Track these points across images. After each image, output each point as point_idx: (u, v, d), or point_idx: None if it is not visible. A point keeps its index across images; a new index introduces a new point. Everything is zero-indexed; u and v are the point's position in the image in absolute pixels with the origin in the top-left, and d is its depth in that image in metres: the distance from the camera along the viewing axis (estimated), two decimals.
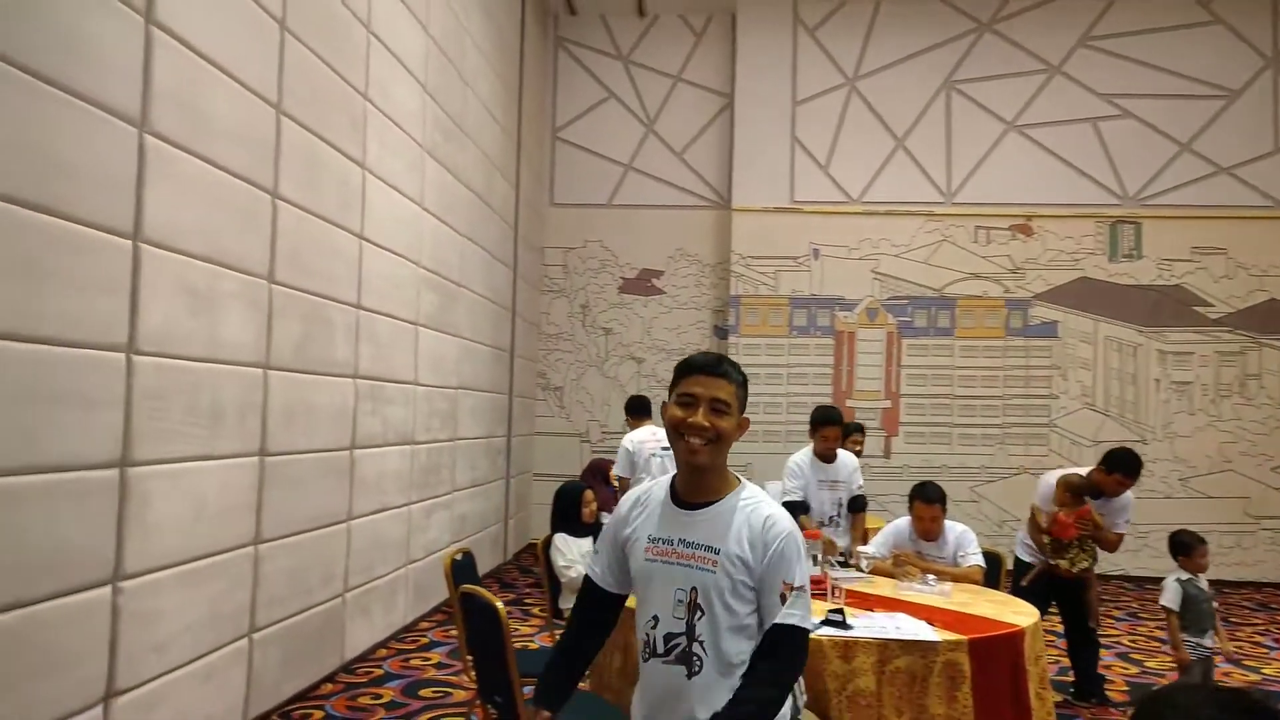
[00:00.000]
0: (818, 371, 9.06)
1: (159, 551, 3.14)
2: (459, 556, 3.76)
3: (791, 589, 1.83)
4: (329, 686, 4.51)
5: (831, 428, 4.66)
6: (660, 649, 1.92)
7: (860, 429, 6.26)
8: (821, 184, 9.17)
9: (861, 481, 4.83)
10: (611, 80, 9.65)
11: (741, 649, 1.87)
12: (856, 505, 4.76)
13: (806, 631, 1.86)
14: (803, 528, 4.60)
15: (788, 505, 4.90)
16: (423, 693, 4.54)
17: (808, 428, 4.86)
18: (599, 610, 2.10)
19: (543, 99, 9.51)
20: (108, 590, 2.89)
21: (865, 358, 9.07)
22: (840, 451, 4.74)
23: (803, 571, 1.86)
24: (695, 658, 1.87)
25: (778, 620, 1.84)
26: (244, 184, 3.66)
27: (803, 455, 4.88)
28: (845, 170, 9.15)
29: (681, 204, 9.53)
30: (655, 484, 2.03)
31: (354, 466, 4.77)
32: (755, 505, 1.92)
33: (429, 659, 5.13)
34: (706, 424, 1.86)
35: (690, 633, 1.88)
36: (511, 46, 8.11)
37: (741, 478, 1.99)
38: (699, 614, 1.88)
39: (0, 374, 2.46)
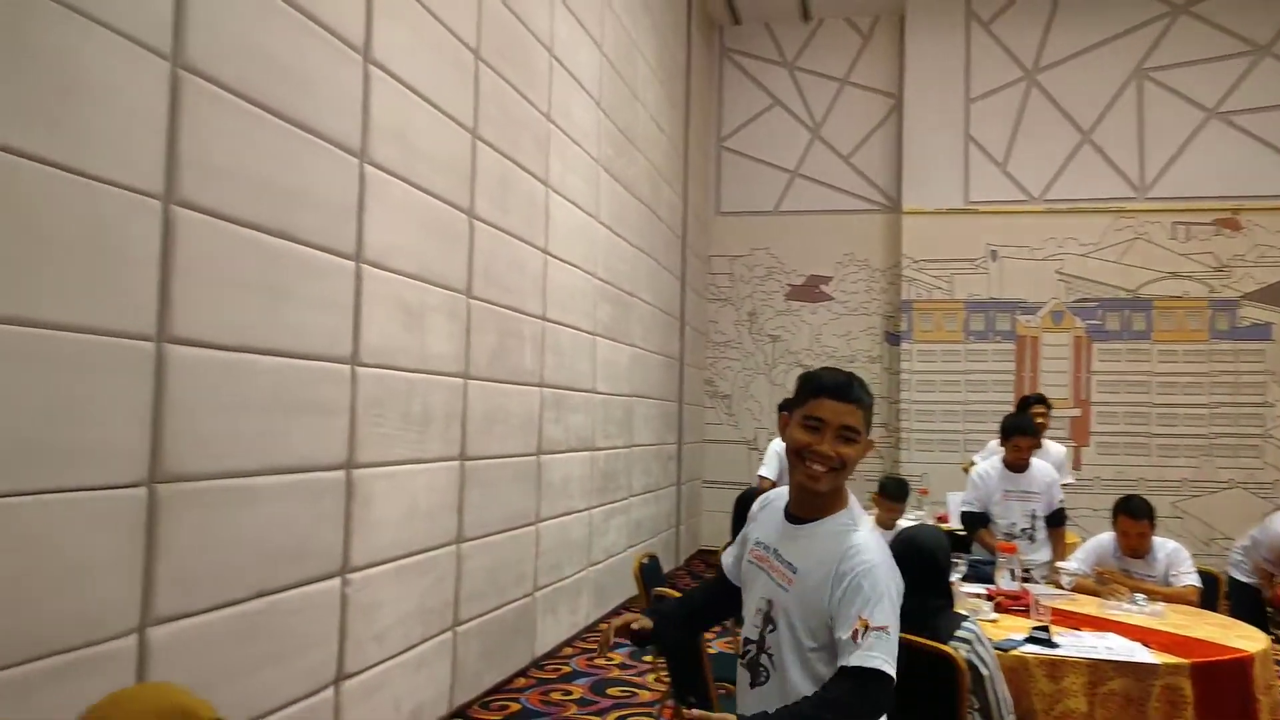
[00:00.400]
0: (997, 379, 8.67)
1: (378, 547, 3.39)
2: (646, 560, 3.86)
3: (869, 627, 1.63)
4: (522, 680, 4.73)
5: (1024, 437, 4.46)
6: (740, 650, 1.93)
7: (1042, 399, 5.79)
8: (999, 183, 8.79)
9: (1063, 495, 4.55)
10: (777, 87, 9.62)
11: (804, 681, 1.74)
12: (1055, 520, 4.51)
13: (888, 678, 1.61)
14: (984, 541, 4.46)
15: (965, 517, 4.75)
16: (610, 691, 4.68)
17: (987, 437, 4.66)
18: (719, 597, 2.13)
19: (708, 109, 9.60)
20: (337, 582, 3.16)
21: (1050, 364, 8.60)
22: (1035, 461, 4.51)
23: (887, 612, 1.65)
24: (762, 668, 1.84)
25: (851, 662, 1.61)
26: (445, 206, 3.91)
27: (990, 464, 4.69)
28: (1025, 168, 8.74)
29: (850, 208, 9.38)
30: (786, 489, 1.99)
31: (540, 471, 4.97)
32: (847, 531, 1.78)
33: (612, 659, 5.27)
34: (833, 454, 1.76)
35: (761, 643, 1.85)
36: (678, 59, 8.25)
37: (851, 496, 1.88)
38: (771, 627, 1.83)
39: (250, 384, 2.73)
